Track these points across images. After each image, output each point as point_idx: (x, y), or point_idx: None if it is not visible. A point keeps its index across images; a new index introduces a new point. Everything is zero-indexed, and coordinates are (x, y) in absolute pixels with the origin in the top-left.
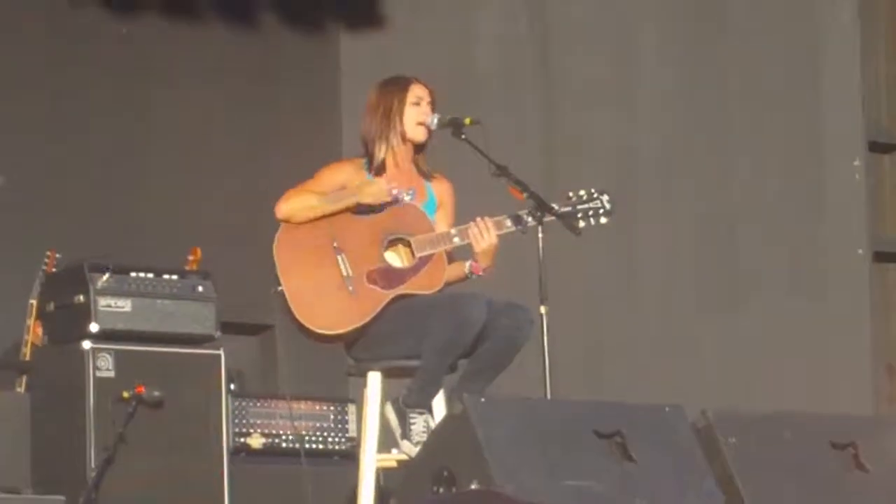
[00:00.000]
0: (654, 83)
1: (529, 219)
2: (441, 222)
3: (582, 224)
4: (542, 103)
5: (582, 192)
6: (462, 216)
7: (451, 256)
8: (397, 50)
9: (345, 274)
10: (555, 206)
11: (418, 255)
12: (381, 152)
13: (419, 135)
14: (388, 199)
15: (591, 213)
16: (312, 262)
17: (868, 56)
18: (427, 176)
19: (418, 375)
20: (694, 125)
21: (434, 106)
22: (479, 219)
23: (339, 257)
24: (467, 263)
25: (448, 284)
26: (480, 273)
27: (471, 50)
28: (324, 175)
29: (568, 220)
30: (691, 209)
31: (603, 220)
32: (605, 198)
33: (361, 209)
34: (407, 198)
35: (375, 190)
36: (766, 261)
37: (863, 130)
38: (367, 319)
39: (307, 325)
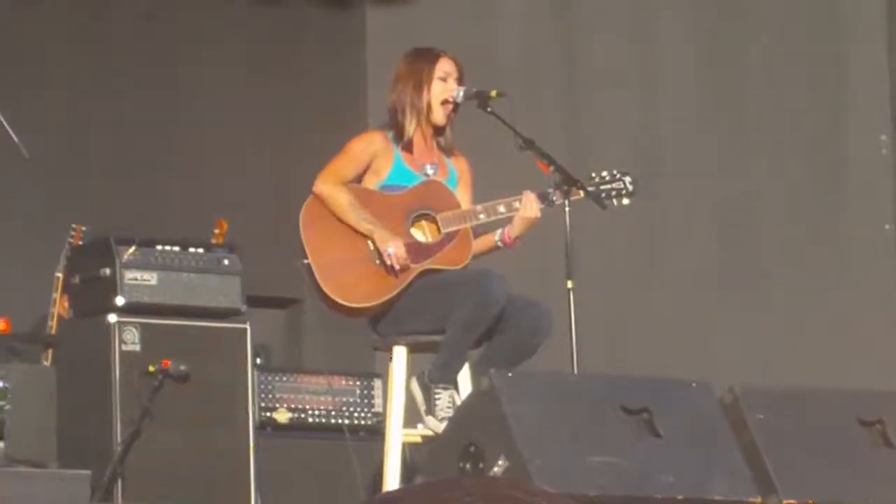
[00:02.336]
0: (676, 62)
1: (555, 197)
2: (461, 197)
3: (605, 204)
4: (564, 81)
5: (605, 174)
6: (489, 189)
7: (479, 229)
8: (422, 23)
9: (371, 248)
10: (582, 181)
11: (444, 230)
12: (411, 124)
13: (440, 116)
14: (383, 254)
15: (613, 193)
16: (339, 235)
17: (893, 31)
18: (447, 151)
19: (442, 351)
20: (715, 103)
21: (462, 81)
22: (526, 192)
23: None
24: (498, 232)
25: (477, 256)
26: (510, 243)
27: (495, 26)
28: (356, 149)
29: (594, 197)
30: (714, 187)
31: (626, 200)
32: (628, 179)
33: (387, 188)
34: (430, 171)
35: (387, 243)
36: (791, 237)
37: (890, 105)
38: (395, 293)
39: (335, 297)
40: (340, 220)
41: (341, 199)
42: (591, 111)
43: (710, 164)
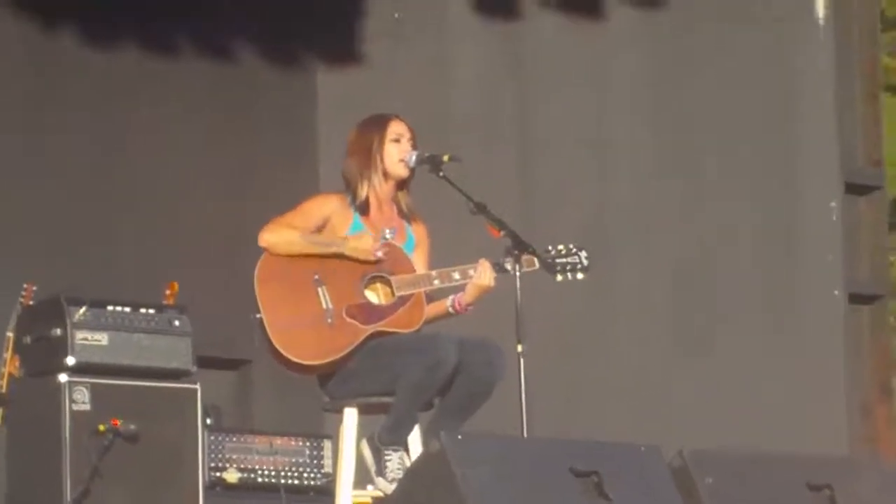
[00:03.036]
0: (629, 128)
1: (508, 265)
2: (417, 263)
3: (559, 278)
4: (518, 145)
5: (561, 247)
6: (440, 252)
7: (433, 295)
8: (375, 87)
9: (324, 307)
10: (534, 246)
11: (398, 293)
12: (363, 191)
13: (401, 170)
14: (372, 259)
15: (568, 267)
16: (293, 292)
17: (844, 98)
18: (407, 217)
19: (391, 414)
20: (669, 169)
21: (414, 142)
22: (481, 260)
23: (319, 290)
24: (450, 298)
25: (429, 321)
26: (461, 310)
27: (448, 89)
28: (309, 207)
29: (547, 265)
30: (667, 252)
31: (580, 275)
32: (584, 254)
33: None
34: (388, 236)
35: (362, 247)
36: (742, 302)
37: (839, 172)
38: (345, 353)
39: (285, 353)
40: (303, 256)
41: (292, 236)
42: (545, 168)
43: (664, 227)
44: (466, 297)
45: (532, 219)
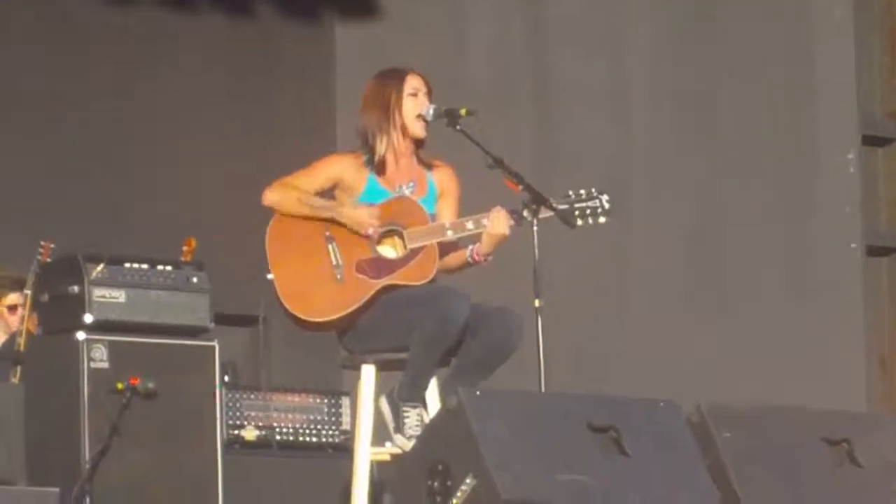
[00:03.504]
0: (646, 85)
1: (526, 214)
2: (445, 211)
3: (580, 223)
4: (534, 99)
5: (582, 191)
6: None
7: (456, 245)
8: (392, 40)
9: (334, 262)
10: (551, 200)
11: (410, 246)
12: (381, 147)
13: (418, 130)
14: (362, 233)
15: (588, 211)
16: (303, 250)
17: (862, 49)
18: (428, 166)
19: (408, 370)
20: (685, 125)
21: (431, 96)
22: (497, 207)
23: (330, 246)
24: (469, 248)
25: (450, 272)
26: (480, 260)
27: (465, 42)
28: (318, 167)
29: (564, 215)
30: (683, 206)
31: (602, 219)
32: (605, 197)
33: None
34: (406, 191)
35: (357, 217)
36: (759, 256)
37: (857, 124)
38: (353, 308)
39: (295, 312)
40: (301, 217)
41: (291, 196)
42: (561, 130)
43: (680, 182)
44: (483, 247)
45: (547, 173)
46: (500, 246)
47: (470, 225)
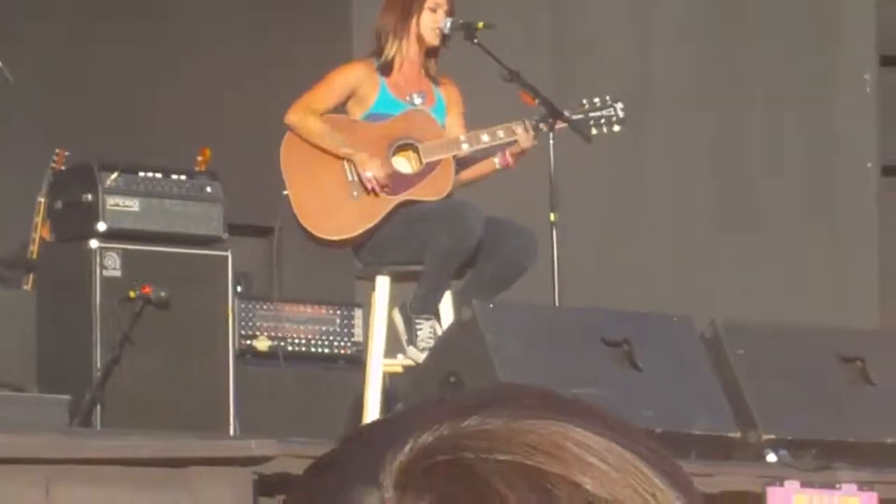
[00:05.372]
0: None
1: (543, 127)
2: (453, 125)
3: (594, 132)
4: (553, 13)
5: (596, 100)
6: (474, 120)
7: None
8: None
9: (350, 179)
10: (567, 112)
11: (426, 160)
12: (391, 50)
13: (433, 38)
14: (362, 176)
15: (603, 120)
16: (318, 167)
17: None
18: (435, 80)
19: (422, 282)
20: (707, 37)
21: (451, 14)
22: (523, 119)
23: (345, 162)
24: (497, 156)
25: (476, 182)
26: (509, 165)
27: None
28: (334, 79)
29: (580, 127)
30: (701, 123)
31: (616, 128)
32: (619, 105)
33: (372, 117)
34: (417, 102)
35: (369, 166)
36: (777, 174)
37: (874, 43)
38: (370, 225)
39: (310, 230)
40: (320, 150)
41: (313, 127)
42: (580, 44)
43: (700, 99)
44: (511, 158)
45: (564, 88)
46: (520, 158)
47: (485, 137)
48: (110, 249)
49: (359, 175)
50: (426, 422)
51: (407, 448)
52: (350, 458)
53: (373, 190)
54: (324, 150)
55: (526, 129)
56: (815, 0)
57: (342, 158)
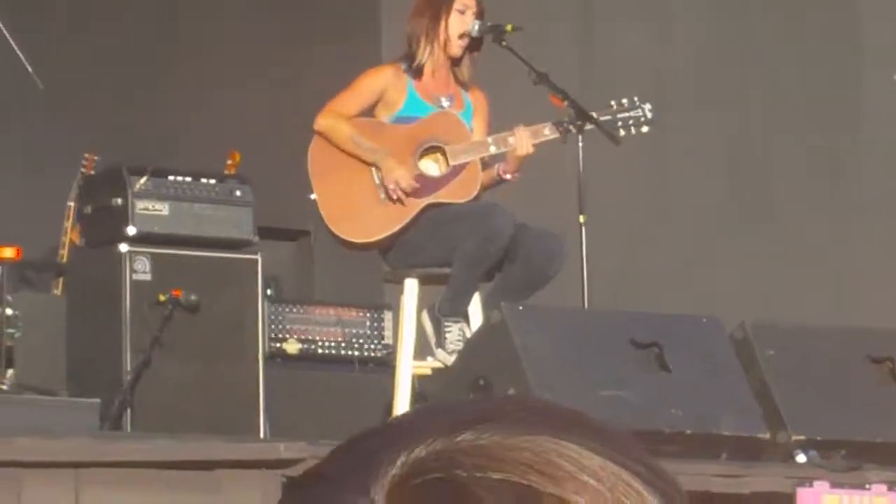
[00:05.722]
0: None
1: (570, 127)
2: (477, 131)
3: (623, 133)
4: (578, 13)
5: (624, 101)
6: (503, 123)
7: (486, 162)
8: None
9: (377, 182)
10: (595, 114)
11: (452, 163)
12: (423, 55)
13: (456, 48)
14: (387, 184)
15: (631, 121)
16: (345, 170)
17: None
18: (465, 85)
19: (450, 285)
20: (729, 36)
21: (481, 16)
22: (520, 127)
23: (372, 166)
24: (496, 167)
25: (485, 189)
26: (508, 178)
27: None
28: (363, 84)
29: (608, 128)
30: (726, 121)
31: (644, 129)
32: (648, 107)
33: (400, 120)
34: (445, 104)
35: (397, 172)
36: (804, 173)
37: None
38: (397, 228)
39: (337, 232)
40: (347, 154)
41: (343, 132)
42: (604, 44)
43: (723, 97)
44: (510, 166)
45: (589, 86)
46: (525, 163)
47: (512, 140)
48: (140, 253)
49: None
50: (420, 435)
51: (399, 462)
52: (342, 469)
53: (398, 199)
54: (352, 155)
55: (556, 131)
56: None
57: (368, 164)
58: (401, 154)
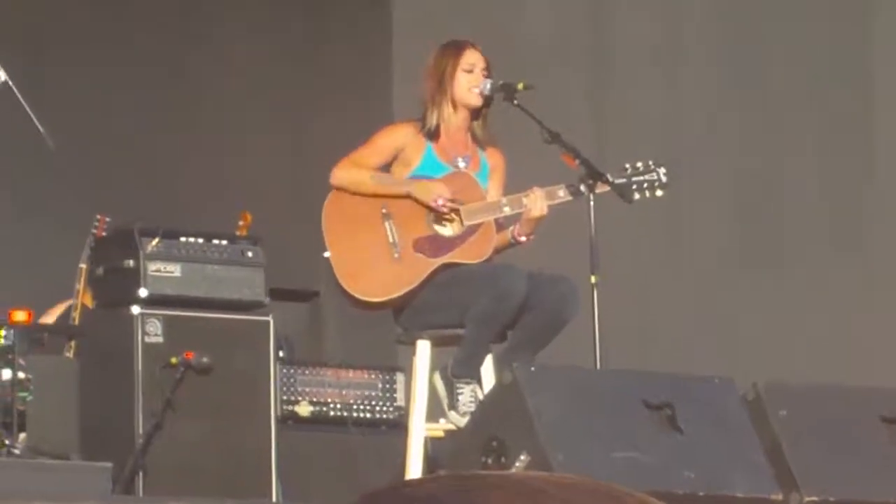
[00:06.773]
0: (702, 43)
1: (584, 189)
2: (492, 191)
3: (637, 196)
4: (590, 66)
5: (639, 164)
6: (515, 182)
7: (500, 224)
8: (449, 11)
9: (391, 241)
10: (608, 175)
11: (467, 223)
12: (432, 117)
13: (473, 99)
14: (430, 203)
15: (646, 185)
16: (360, 228)
17: None
18: (482, 144)
19: (462, 346)
20: (740, 88)
21: (489, 73)
22: (534, 188)
23: (386, 224)
24: (510, 229)
25: (498, 251)
26: (523, 240)
27: (522, 12)
28: (379, 140)
29: (622, 191)
30: (738, 172)
31: (658, 192)
32: (662, 170)
33: (417, 178)
34: (461, 165)
35: (430, 187)
36: (816, 225)
37: None
38: (411, 287)
39: (351, 291)
40: (369, 197)
41: (363, 176)
42: (616, 96)
43: (735, 149)
44: (523, 228)
45: (602, 138)
46: (540, 225)
47: (525, 200)
48: (152, 315)
49: (401, 235)
50: None
51: None
52: None
53: (452, 210)
54: (364, 195)
55: (570, 193)
56: (851, 37)
57: (382, 220)
58: (414, 212)
